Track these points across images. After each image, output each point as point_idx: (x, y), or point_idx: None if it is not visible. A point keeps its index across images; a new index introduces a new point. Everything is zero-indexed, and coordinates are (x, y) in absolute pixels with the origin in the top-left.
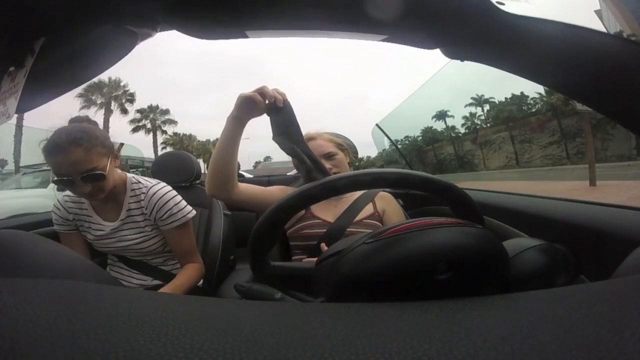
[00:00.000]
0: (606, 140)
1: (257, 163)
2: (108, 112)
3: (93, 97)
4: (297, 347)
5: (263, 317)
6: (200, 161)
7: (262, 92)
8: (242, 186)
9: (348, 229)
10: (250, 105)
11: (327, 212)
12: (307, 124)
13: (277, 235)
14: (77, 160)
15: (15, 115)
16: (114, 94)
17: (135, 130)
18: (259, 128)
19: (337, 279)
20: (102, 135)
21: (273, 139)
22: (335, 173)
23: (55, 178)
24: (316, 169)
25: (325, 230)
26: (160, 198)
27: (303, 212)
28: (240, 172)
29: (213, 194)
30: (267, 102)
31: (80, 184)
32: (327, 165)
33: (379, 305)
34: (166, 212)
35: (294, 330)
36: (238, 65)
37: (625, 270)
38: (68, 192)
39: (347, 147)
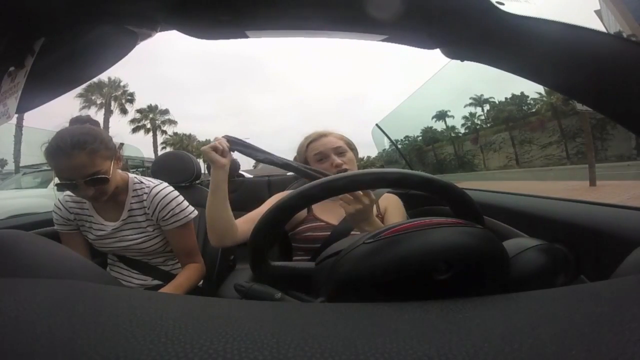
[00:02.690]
0: (606, 140)
1: (257, 163)
2: (108, 112)
3: (93, 97)
4: (297, 347)
5: (263, 317)
6: (200, 161)
7: (214, 147)
8: (241, 223)
9: (352, 232)
10: (213, 158)
11: (330, 214)
12: (307, 124)
13: (278, 235)
14: (80, 164)
15: (15, 115)
16: (113, 94)
17: (135, 130)
18: (260, 128)
19: (337, 278)
20: (106, 138)
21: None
22: (345, 169)
23: (58, 181)
24: (313, 171)
25: (329, 233)
26: (162, 198)
27: (305, 213)
28: (240, 172)
29: (218, 245)
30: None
31: (83, 188)
32: (338, 160)
33: (379, 305)
34: (168, 212)
35: (294, 330)
36: (238, 65)
37: (625, 270)
38: (69, 192)
39: (355, 148)
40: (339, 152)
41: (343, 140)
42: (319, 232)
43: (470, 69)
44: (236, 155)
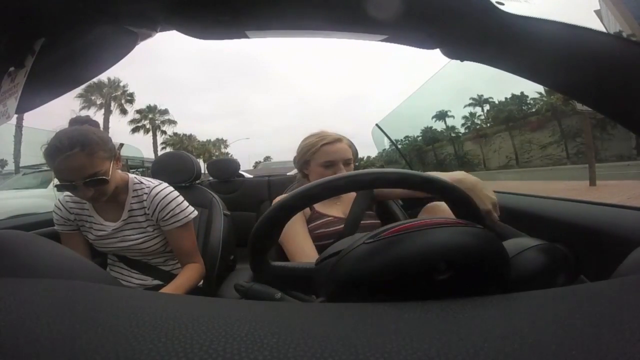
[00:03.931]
0: (606, 140)
1: (257, 163)
2: (107, 113)
3: (93, 98)
4: (297, 347)
5: (263, 317)
6: (200, 161)
7: None
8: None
9: (362, 222)
10: None
11: (333, 208)
12: (308, 124)
13: (278, 235)
14: (79, 165)
15: (15, 115)
16: (113, 95)
17: (135, 130)
18: (260, 127)
19: (337, 279)
20: (104, 139)
21: None
22: None
23: (58, 183)
24: None
25: (342, 226)
26: (163, 198)
27: (309, 212)
28: (240, 172)
29: None
30: None
31: (82, 189)
32: (345, 172)
33: (379, 305)
34: (168, 212)
35: (294, 330)
36: (238, 64)
37: (625, 270)
38: (68, 192)
39: (356, 151)
40: (347, 163)
41: (352, 149)
42: (332, 227)
43: (470, 69)
44: (236, 155)
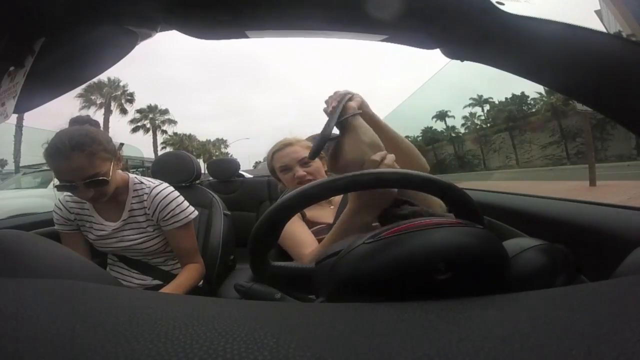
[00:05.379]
0: (606, 140)
1: (257, 163)
2: (107, 112)
3: (93, 97)
4: (297, 347)
5: (263, 317)
6: (200, 161)
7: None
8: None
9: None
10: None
11: (325, 214)
12: (308, 124)
13: (277, 235)
14: (79, 166)
15: (15, 115)
16: (113, 94)
17: (135, 130)
18: (260, 127)
19: (337, 279)
20: (105, 139)
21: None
22: (308, 180)
23: (58, 183)
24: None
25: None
26: (163, 198)
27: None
28: (240, 172)
29: None
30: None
31: (83, 189)
32: (301, 172)
33: (379, 305)
34: (169, 212)
35: (294, 330)
36: (238, 64)
37: (625, 270)
38: (68, 192)
39: (325, 156)
40: (304, 162)
41: (310, 148)
42: (323, 235)
43: (470, 69)
44: (236, 155)
